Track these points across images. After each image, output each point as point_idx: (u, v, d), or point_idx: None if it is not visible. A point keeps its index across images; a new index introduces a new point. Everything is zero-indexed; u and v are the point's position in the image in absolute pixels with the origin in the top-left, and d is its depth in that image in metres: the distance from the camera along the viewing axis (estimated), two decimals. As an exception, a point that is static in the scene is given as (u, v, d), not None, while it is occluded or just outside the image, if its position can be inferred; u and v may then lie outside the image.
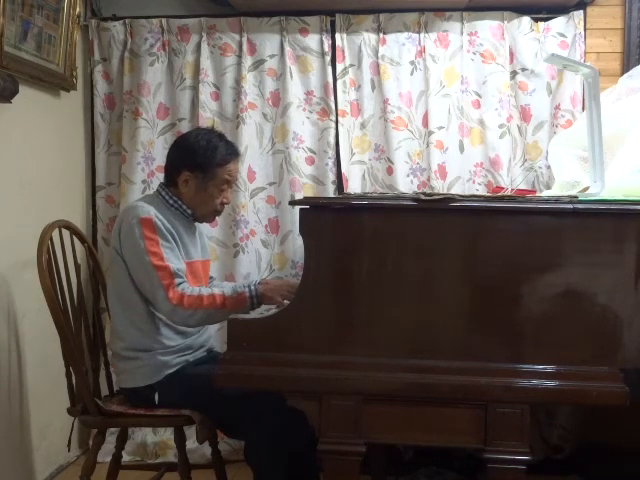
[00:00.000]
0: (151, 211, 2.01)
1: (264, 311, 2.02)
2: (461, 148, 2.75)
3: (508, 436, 1.55)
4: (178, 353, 2.06)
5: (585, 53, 2.73)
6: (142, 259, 1.95)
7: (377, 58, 2.76)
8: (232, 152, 2.13)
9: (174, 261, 1.98)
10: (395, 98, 2.73)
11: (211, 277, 2.35)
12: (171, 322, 2.02)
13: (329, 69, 2.78)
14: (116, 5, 2.89)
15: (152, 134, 2.84)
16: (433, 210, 1.56)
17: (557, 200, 1.57)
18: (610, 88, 2.38)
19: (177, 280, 1.94)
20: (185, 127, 2.79)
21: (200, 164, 2.07)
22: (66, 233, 2.27)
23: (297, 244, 2.77)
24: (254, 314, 1.97)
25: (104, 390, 2.25)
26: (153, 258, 1.94)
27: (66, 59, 2.66)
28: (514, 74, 2.76)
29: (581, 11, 2.72)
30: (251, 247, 2.81)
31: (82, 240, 2.35)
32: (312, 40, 2.79)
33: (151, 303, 2.01)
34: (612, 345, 1.54)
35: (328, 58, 2.78)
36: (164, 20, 2.83)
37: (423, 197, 1.56)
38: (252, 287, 1.94)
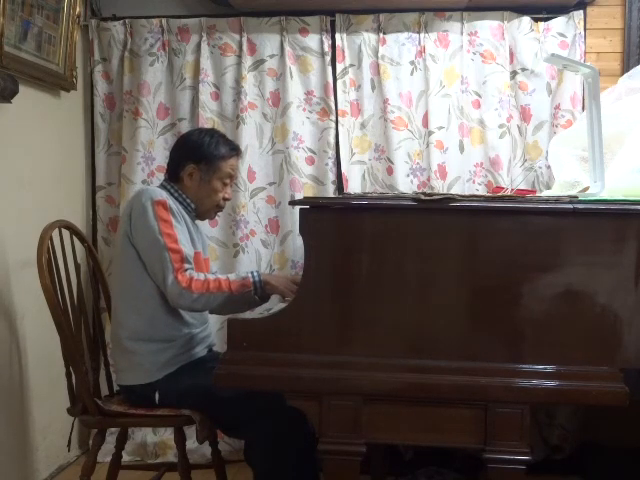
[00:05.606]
0: (164, 194, 2.05)
1: (264, 311, 2.02)
2: (461, 148, 2.75)
3: (508, 436, 1.55)
4: (179, 347, 2.06)
5: (585, 53, 2.73)
6: (156, 240, 1.96)
7: (377, 58, 2.76)
8: (235, 148, 2.21)
9: (186, 245, 2.01)
10: (395, 98, 2.74)
11: (214, 273, 2.36)
12: (176, 305, 2.01)
13: (329, 69, 2.78)
14: (116, 5, 2.90)
15: (152, 134, 2.84)
16: (433, 210, 1.55)
17: (557, 200, 1.57)
18: (610, 88, 2.38)
19: (186, 265, 1.97)
20: (185, 127, 2.80)
21: (206, 156, 2.12)
22: (66, 233, 2.27)
23: (297, 244, 2.77)
24: (254, 314, 1.97)
25: (104, 390, 2.25)
26: (167, 240, 1.96)
27: (66, 59, 2.66)
28: (514, 74, 2.76)
29: (581, 11, 2.72)
30: (251, 247, 2.81)
31: (82, 240, 2.35)
32: (312, 40, 2.79)
33: (156, 288, 2.02)
34: (612, 345, 1.54)
35: (328, 58, 2.78)
36: (164, 20, 2.83)
37: (423, 197, 1.56)
38: (255, 273, 1.99)
